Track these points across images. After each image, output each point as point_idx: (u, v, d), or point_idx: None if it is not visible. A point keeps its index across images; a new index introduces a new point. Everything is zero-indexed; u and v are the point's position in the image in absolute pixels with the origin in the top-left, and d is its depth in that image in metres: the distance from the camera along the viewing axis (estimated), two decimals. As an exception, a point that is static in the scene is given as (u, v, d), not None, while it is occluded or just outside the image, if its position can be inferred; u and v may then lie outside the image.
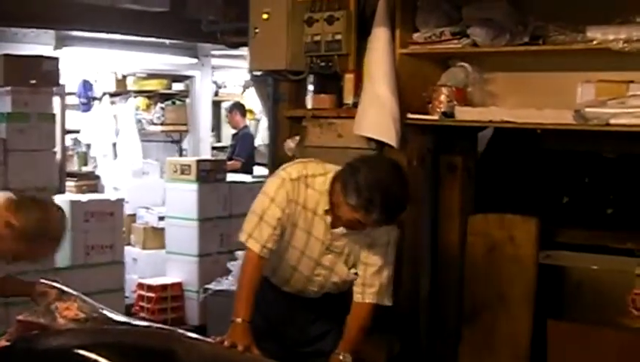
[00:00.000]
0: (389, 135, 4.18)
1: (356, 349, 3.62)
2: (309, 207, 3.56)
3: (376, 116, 4.19)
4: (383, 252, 3.62)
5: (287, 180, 3.55)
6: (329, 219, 3.51)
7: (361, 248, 3.61)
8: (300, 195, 3.54)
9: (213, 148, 10.87)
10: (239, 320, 3.45)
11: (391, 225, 3.56)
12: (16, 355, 2.97)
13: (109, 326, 3.17)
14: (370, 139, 4.27)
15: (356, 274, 3.64)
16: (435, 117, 4.13)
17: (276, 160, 4.69)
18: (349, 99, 4.51)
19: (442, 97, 4.13)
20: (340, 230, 3.51)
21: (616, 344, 3.83)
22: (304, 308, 3.77)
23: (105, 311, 3.28)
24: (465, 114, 4.06)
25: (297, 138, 4.64)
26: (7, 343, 3.01)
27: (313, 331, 3.79)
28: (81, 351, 2.92)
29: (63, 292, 3.29)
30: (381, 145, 4.25)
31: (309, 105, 4.83)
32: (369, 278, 3.62)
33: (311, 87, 4.95)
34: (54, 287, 3.32)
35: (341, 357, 3.57)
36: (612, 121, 3.60)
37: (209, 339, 3.41)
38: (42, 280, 3.38)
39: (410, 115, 4.19)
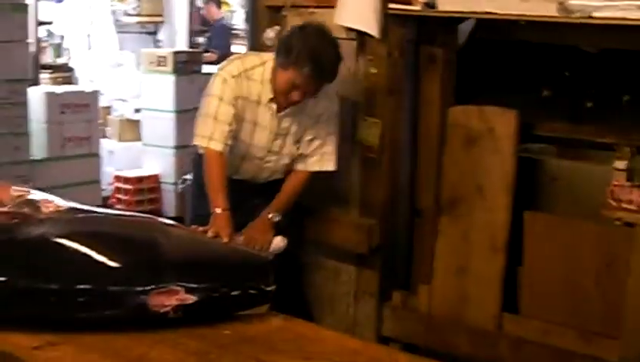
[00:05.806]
0: (369, 25, 4.13)
1: (285, 212, 3.86)
2: (253, 98, 3.72)
3: (357, 6, 4.13)
4: (325, 126, 3.88)
5: (229, 78, 3.70)
6: (274, 106, 3.68)
7: (305, 127, 3.84)
8: (243, 90, 3.70)
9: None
10: (219, 210, 3.51)
11: (330, 102, 3.82)
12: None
13: (89, 215, 3.16)
14: (350, 29, 4.22)
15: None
16: (417, 7, 4.08)
17: (255, 50, 4.62)
18: (329, -11, 4.43)
19: (424, -13, 4.08)
20: (286, 112, 3.72)
21: (593, 235, 3.86)
22: (252, 194, 3.94)
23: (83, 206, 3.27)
24: (447, 4, 4.01)
25: (277, 28, 4.57)
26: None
27: (258, 214, 3.92)
28: (62, 239, 2.92)
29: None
30: (362, 35, 4.21)
31: (289, -5, 4.74)
32: (312, 150, 3.90)
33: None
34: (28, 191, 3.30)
35: (270, 216, 3.80)
36: (595, 14, 3.57)
37: (191, 228, 3.42)
38: (14, 187, 3.33)
39: (391, 5, 4.13)
